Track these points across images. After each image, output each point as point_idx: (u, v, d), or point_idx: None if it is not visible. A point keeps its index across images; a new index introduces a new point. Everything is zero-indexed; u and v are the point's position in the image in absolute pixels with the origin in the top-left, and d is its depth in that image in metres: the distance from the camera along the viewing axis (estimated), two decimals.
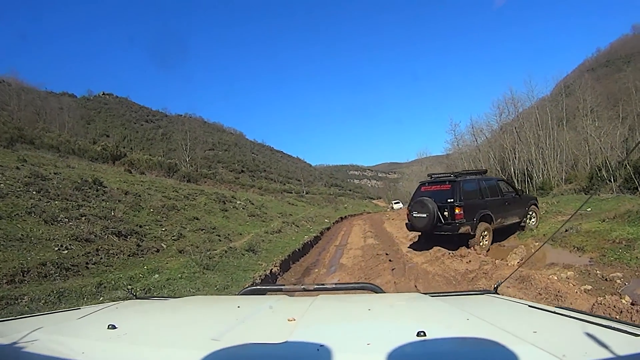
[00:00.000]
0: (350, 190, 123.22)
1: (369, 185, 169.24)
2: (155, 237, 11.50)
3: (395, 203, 61.99)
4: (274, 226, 18.62)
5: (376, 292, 2.14)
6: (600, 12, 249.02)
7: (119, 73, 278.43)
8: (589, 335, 1.10)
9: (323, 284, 2.22)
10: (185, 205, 17.21)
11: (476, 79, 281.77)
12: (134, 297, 2.21)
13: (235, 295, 2.44)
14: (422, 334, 1.10)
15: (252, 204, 26.10)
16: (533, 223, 12.73)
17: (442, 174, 12.73)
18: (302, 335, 1.18)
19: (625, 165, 22.60)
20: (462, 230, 9.92)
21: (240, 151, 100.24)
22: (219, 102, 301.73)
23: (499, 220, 10.93)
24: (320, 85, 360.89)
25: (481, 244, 10.24)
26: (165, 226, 12.92)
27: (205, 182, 42.89)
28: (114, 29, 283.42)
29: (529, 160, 40.57)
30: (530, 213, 12.71)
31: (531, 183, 39.63)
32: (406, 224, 11.82)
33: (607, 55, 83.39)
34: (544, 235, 11.63)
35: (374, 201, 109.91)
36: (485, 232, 10.40)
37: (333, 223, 29.39)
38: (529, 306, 1.56)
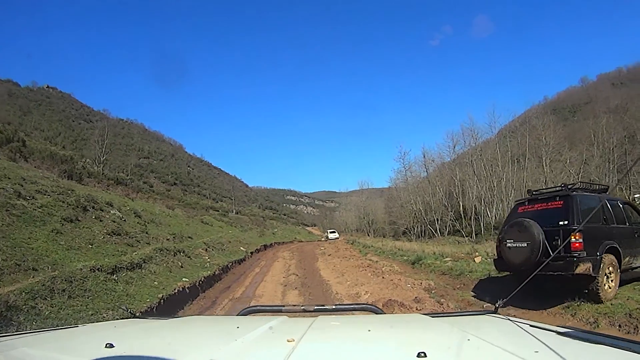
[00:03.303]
0: (285, 215, 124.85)
1: (305, 211, 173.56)
2: None
3: (330, 232, 58.67)
4: (135, 256, 11.54)
5: (376, 313, 2.11)
6: (550, 63, 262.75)
7: (68, 66, 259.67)
8: (591, 354, 1.14)
9: (323, 305, 2.22)
10: None
11: (423, 117, 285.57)
12: (133, 317, 2.31)
13: (235, 315, 2.35)
14: (422, 354, 1.07)
15: (138, 216, 19.71)
16: None
17: (548, 188, 11.19)
18: (302, 356, 1.17)
19: None
20: (581, 269, 7.49)
21: (176, 163, 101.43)
22: (162, 111, 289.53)
23: (627, 258, 8.58)
24: (266, 108, 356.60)
25: (606, 287, 7.83)
26: None
27: (109, 185, 38.05)
28: (70, 20, 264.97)
29: (480, 196, 40.44)
30: None
31: (482, 222, 39.64)
32: (495, 260, 9.62)
33: (553, 104, 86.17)
34: None
35: (308, 228, 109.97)
36: (612, 272, 8.02)
37: (250, 253, 24.32)
38: (531, 326, 1.56)
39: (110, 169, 55.67)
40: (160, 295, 9.39)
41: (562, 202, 8.42)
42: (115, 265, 10.11)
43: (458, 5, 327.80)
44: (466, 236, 36.79)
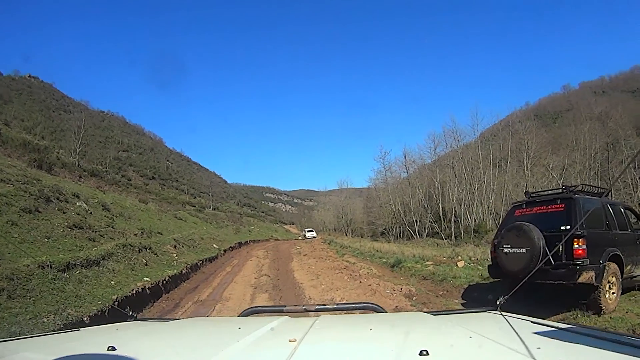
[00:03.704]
0: (263, 212, 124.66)
1: (284, 209, 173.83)
2: None
3: (308, 231, 57.51)
4: (93, 252, 10.65)
5: (378, 312, 2.11)
6: (533, 69, 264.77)
7: (51, 56, 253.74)
8: (593, 350, 1.11)
9: (324, 304, 2.24)
10: None
11: (405, 117, 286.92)
12: (134, 319, 2.17)
13: (237, 316, 2.41)
14: (424, 353, 1.08)
15: (106, 209, 18.92)
16: None
17: (547, 190, 10.89)
18: (304, 356, 1.18)
19: None
20: (584, 277, 7.01)
21: (155, 157, 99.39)
22: (143, 104, 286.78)
23: (628, 266, 8.19)
24: (247, 105, 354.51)
25: (607, 297, 7.41)
26: None
27: (81, 177, 39.54)
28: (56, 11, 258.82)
29: (460, 199, 40.55)
30: None
31: (461, 224, 39.69)
32: (489, 267, 9.04)
33: (535, 110, 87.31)
34: None
35: (286, 226, 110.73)
36: (613, 281, 7.60)
37: (224, 251, 23.48)
38: (533, 322, 1.56)
39: (87, 161, 55.41)
40: (114, 297, 8.48)
41: (563, 205, 7.92)
42: (69, 262, 9.12)
43: (444, 8, 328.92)
44: (445, 238, 36.69)
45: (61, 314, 6.96)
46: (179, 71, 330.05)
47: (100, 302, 8.01)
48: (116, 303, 8.28)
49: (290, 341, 1.29)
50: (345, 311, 2.31)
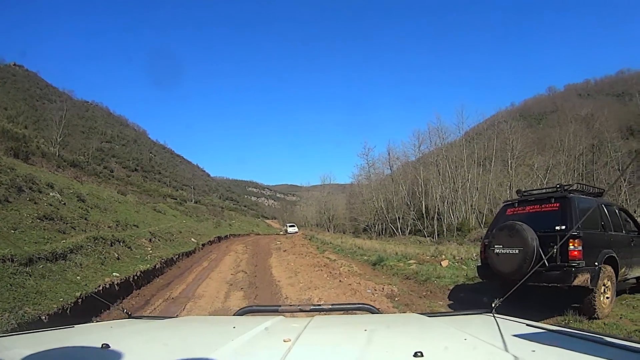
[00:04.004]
0: (245, 207, 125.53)
1: (266, 204, 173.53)
2: None
3: (290, 226, 57.34)
4: (60, 245, 10.05)
5: (373, 313, 2.10)
6: (518, 70, 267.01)
7: (36, 44, 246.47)
8: (587, 352, 1.11)
9: (319, 305, 2.22)
10: None
11: (390, 115, 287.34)
12: (128, 317, 2.19)
13: (231, 315, 2.32)
14: (419, 354, 1.07)
15: (81, 200, 18.41)
16: None
17: (540, 189, 10.41)
18: (298, 356, 1.17)
19: None
20: (579, 280, 6.74)
21: (138, 149, 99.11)
22: (127, 95, 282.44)
23: (623, 269, 7.94)
24: (232, 99, 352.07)
25: (602, 301, 7.23)
26: None
27: (59, 167, 38.78)
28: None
29: (444, 197, 40.55)
30: None
31: (444, 222, 39.73)
32: (479, 268, 8.63)
33: (520, 110, 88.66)
34: None
35: (267, 221, 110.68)
36: (608, 284, 7.38)
37: (202, 245, 23.10)
38: (527, 325, 1.56)
39: (69, 151, 55.07)
40: (77, 294, 7.86)
41: (558, 204, 7.61)
42: (33, 255, 8.51)
43: (432, 7, 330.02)
44: (428, 236, 36.76)
45: (17, 313, 6.43)
46: (165, 63, 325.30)
47: (61, 299, 7.44)
48: (80, 300, 7.78)
49: (284, 341, 1.29)
50: (340, 312, 2.29)
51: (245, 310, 2.16)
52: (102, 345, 1.24)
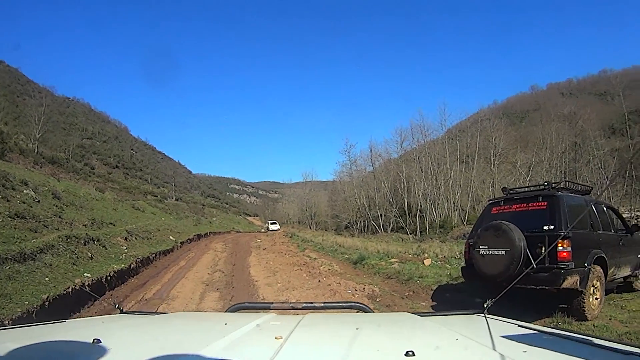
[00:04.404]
0: (227, 204, 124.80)
1: (248, 201, 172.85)
2: None
3: (271, 223, 57.23)
4: (29, 245, 9.66)
5: (365, 312, 2.11)
6: (502, 68, 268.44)
7: (19, 39, 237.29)
8: (578, 355, 1.11)
9: (312, 302, 2.24)
10: None
11: (372, 112, 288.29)
12: (120, 312, 2.19)
13: (223, 312, 2.44)
14: (410, 353, 1.08)
15: (56, 198, 18.42)
16: None
17: (526, 186, 10.46)
18: (289, 354, 1.17)
19: None
20: (568, 282, 6.52)
21: (119, 146, 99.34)
22: (108, 90, 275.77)
23: (612, 269, 7.79)
24: (214, 95, 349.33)
25: (591, 302, 7.07)
26: None
27: (36, 163, 38.98)
28: None
29: (426, 194, 40.71)
30: None
31: (426, 219, 39.91)
32: (463, 269, 8.36)
33: (503, 108, 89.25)
34: None
35: (249, 218, 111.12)
36: (597, 285, 7.23)
37: (181, 244, 22.54)
38: (519, 326, 1.58)
39: (49, 148, 55.82)
40: (45, 296, 7.52)
41: (545, 202, 7.38)
42: (0, 256, 8.23)
43: (415, 5, 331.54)
44: (410, 233, 36.84)
45: None
46: (147, 59, 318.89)
47: (27, 303, 7.09)
48: (47, 303, 7.44)
49: (276, 338, 1.29)
50: (332, 310, 2.31)
51: (237, 307, 2.18)
52: (93, 340, 1.24)
